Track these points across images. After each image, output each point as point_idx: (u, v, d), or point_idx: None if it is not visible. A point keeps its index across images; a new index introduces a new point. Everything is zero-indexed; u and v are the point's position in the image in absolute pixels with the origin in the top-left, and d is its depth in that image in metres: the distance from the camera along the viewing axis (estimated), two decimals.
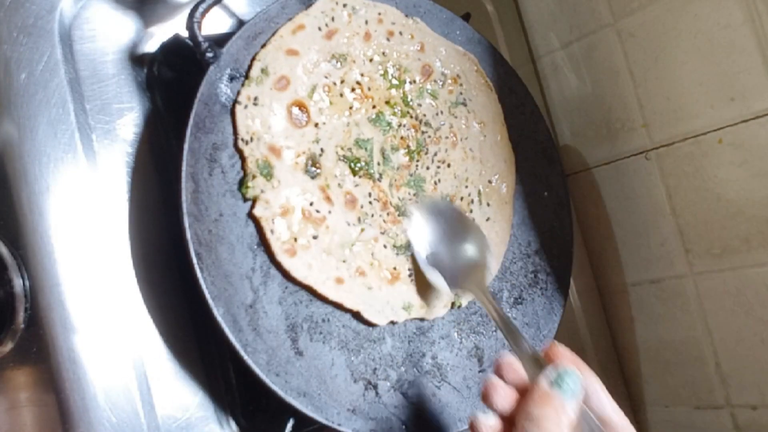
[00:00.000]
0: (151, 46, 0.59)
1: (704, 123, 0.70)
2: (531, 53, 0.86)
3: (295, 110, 0.57)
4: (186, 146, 0.51)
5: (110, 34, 0.57)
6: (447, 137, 0.66)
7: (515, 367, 0.47)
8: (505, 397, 0.46)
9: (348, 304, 0.56)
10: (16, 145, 0.51)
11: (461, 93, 0.68)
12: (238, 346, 0.50)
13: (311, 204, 0.56)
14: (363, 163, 0.60)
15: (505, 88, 0.72)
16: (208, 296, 0.50)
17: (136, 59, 0.58)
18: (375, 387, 0.56)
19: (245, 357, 0.50)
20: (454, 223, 0.60)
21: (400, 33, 0.65)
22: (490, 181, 0.68)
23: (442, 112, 0.66)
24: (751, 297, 0.69)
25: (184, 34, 0.54)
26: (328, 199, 0.57)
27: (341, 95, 0.60)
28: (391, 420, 0.56)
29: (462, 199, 0.65)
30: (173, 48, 0.57)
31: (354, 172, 0.59)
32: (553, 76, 0.84)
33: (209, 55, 0.53)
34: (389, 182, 0.61)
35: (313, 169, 0.57)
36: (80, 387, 0.49)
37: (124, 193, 0.56)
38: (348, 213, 0.58)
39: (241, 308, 0.52)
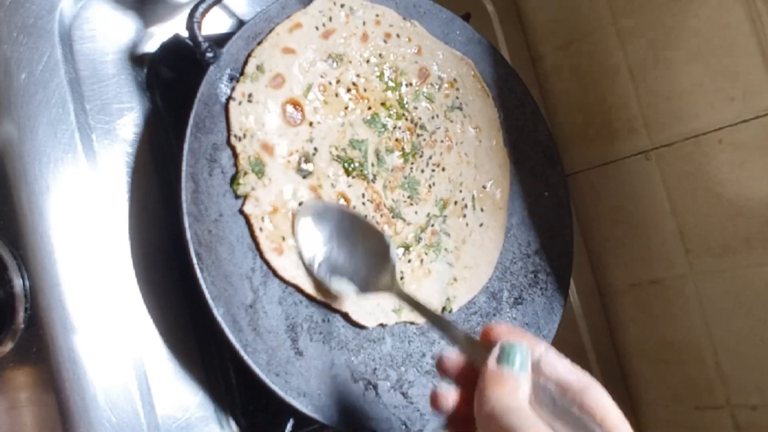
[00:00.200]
0: (151, 46, 0.59)
1: (704, 123, 0.70)
2: (531, 53, 0.86)
3: (290, 108, 0.57)
4: (186, 146, 0.51)
5: (110, 34, 0.57)
6: (442, 141, 0.66)
7: (456, 360, 0.45)
8: (453, 398, 0.44)
9: (336, 305, 0.56)
10: (16, 145, 0.51)
11: (457, 97, 0.68)
12: (238, 346, 0.50)
13: (301, 203, 0.56)
14: (357, 164, 0.60)
15: (505, 89, 0.72)
16: (208, 296, 0.50)
17: (136, 59, 0.58)
18: (375, 387, 0.56)
19: (245, 357, 0.50)
20: (345, 224, 0.56)
21: (398, 35, 0.65)
22: (484, 186, 0.68)
23: (437, 116, 0.66)
24: (751, 297, 0.70)
25: (184, 34, 0.54)
26: (319, 198, 0.57)
27: (337, 95, 0.60)
28: (391, 420, 0.56)
29: (456, 203, 0.65)
30: (173, 48, 0.57)
31: (347, 173, 0.59)
32: (553, 76, 0.84)
33: (209, 55, 0.53)
34: (383, 184, 0.61)
35: (306, 168, 0.57)
36: (80, 387, 0.49)
37: (124, 193, 0.56)
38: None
39: (241, 308, 0.52)
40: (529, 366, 0.42)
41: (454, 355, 0.46)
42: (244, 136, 0.54)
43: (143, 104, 0.57)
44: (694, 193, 0.72)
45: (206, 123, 0.53)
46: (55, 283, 0.50)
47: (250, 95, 0.55)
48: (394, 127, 0.63)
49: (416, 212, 0.63)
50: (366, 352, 0.57)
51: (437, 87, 0.66)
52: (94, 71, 0.56)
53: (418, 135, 0.64)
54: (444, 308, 0.62)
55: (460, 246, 0.64)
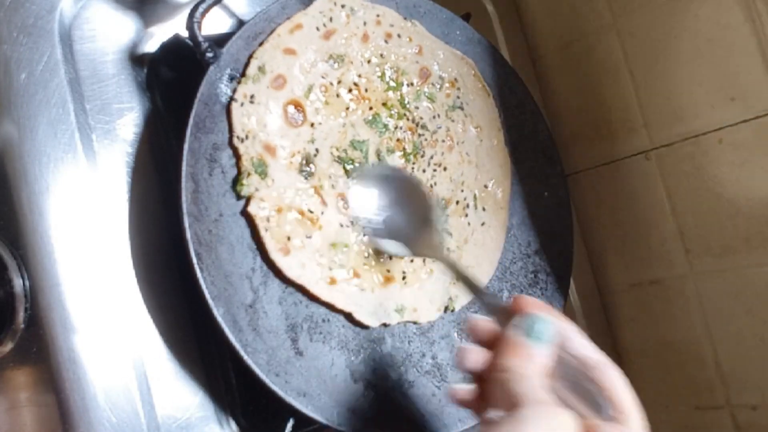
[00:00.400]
0: (151, 46, 0.59)
1: (704, 123, 0.70)
2: (531, 53, 0.86)
3: (291, 109, 0.57)
4: (186, 146, 0.51)
5: (110, 34, 0.57)
6: (443, 141, 0.66)
7: (486, 327, 0.46)
8: (476, 358, 0.45)
9: (340, 305, 0.56)
10: (16, 145, 0.51)
11: (458, 97, 0.68)
12: (238, 346, 0.50)
13: (305, 204, 0.56)
14: (357, 165, 0.59)
15: (505, 88, 0.72)
16: (208, 296, 0.50)
17: (136, 59, 0.58)
18: (375, 387, 0.56)
19: (245, 357, 0.50)
20: (397, 187, 0.58)
21: (399, 35, 0.65)
22: (485, 186, 0.68)
23: (439, 116, 0.66)
24: (751, 297, 0.69)
25: (184, 34, 0.54)
26: (322, 199, 0.57)
27: (338, 96, 0.60)
28: (391, 420, 0.56)
29: (458, 203, 0.65)
30: (173, 48, 0.57)
31: (348, 174, 0.59)
32: (553, 76, 0.84)
33: (209, 55, 0.53)
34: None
35: (308, 168, 0.57)
36: (80, 387, 0.49)
37: (124, 193, 0.56)
38: (341, 214, 0.58)
39: (241, 308, 0.52)
40: (550, 340, 0.42)
41: (484, 321, 0.47)
42: (247, 137, 0.54)
43: (143, 104, 0.57)
44: (694, 193, 0.72)
45: (206, 123, 0.53)
46: (55, 283, 0.50)
47: (251, 96, 0.55)
48: (396, 127, 0.63)
49: None
50: (366, 352, 0.57)
51: (438, 87, 0.66)
52: (94, 71, 0.56)
53: (419, 135, 0.64)
54: (446, 307, 0.62)
55: (462, 245, 0.64)
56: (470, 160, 0.67)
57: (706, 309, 0.74)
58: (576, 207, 0.83)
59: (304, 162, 0.57)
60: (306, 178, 0.56)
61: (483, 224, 0.66)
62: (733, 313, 0.71)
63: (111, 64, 0.57)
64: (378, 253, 0.58)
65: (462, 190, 0.66)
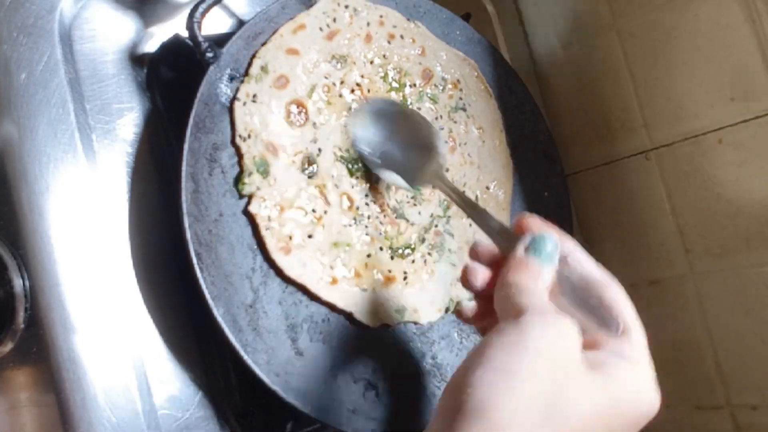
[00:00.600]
0: (151, 46, 0.59)
1: (704, 123, 0.70)
2: (531, 53, 0.86)
3: (294, 109, 0.57)
4: (186, 146, 0.51)
5: (110, 34, 0.57)
6: (446, 142, 0.66)
7: (490, 248, 0.47)
8: (482, 276, 0.46)
9: (341, 305, 0.56)
10: (16, 145, 0.51)
11: (461, 98, 0.68)
12: (238, 346, 0.50)
13: (307, 203, 0.56)
14: (360, 165, 0.59)
15: (505, 88, 0.72)
16: (208, 296, 0.50)
17: (136, 59, 0.58)
18: (375, 387, 0.56)
19: (245, 357, 0.50)
20: (398, 119, 0.59)
21: (402, 36, 0.65)
22: (487, 187, 0.68)
23: (441, 117, 0.66)
24: (751, 297, 0.69)
25: (184, 34, 0.54)
26: (324, 198, 0.57)
27: (340, 96, 0.60)
28: (391, 420, 0.56)
29: None
30: (173, 48, 0.57)
31: (351, 173, 0.59)
32: (553, 76, 0.84)
33: (209, 55, 0.53)
34: (387, 184, 0.61)
35: (310, 168, 0.57)
36: (80, 387, 0.49)
37: (124, 193, 0.56)
38: (344, 214, 0.58)
39: (241, 308, 0.52)
40: (556, 258, 0.43)
41: (487, 244, 0.48)
42: (249, 136, 0.54)
43: (143, 104, 0.57)
44: (694, 193, 0.72)
45: (206, 123, 0.53)
46: (55, 283, 0.50)
47: (254, 96, 0.55)
48: None
49: (420, 213, 0.63)
50: (366, 352, 0.57)
51: (441, 88, 0.67)
52: (94, 71, 0.56)
53: None
54: (447, 309, 0.62)
55: (463, 246, 0.64)
56: (472, 162, 0.67)
57: (706, 309, 0.73)
58: (576, 207, 0.83)
59: (306, 162, 0.57)
60: (309, 178, 0.57)
61: None
62: (733, 313, 0.71)
63: (111, 64, 0.57)
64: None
65: (464, 191, 0.66)
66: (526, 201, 0.71)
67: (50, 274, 0.50)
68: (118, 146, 0.56)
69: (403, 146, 0.57)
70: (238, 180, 0.54)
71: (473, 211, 0.51)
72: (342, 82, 0.60)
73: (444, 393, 0.39)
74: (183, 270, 0.51)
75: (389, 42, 0.64)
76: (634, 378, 0.40)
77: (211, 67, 0.54)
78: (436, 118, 0.66)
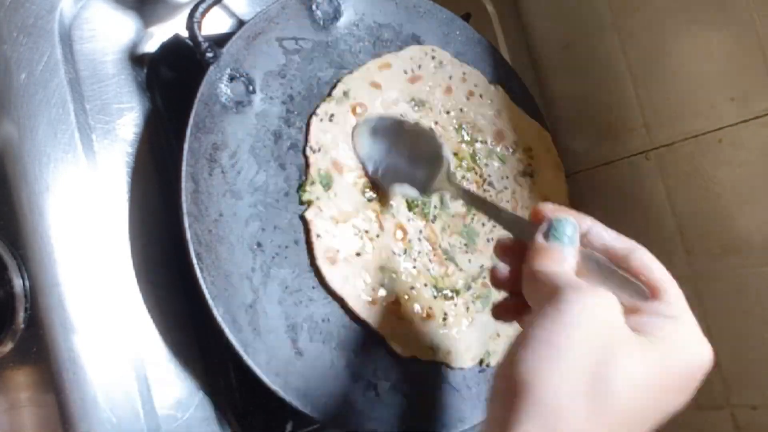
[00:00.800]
0: (151, 46, 0.59)
1: (704, 123, 0.70)
2: (531, 53, 0.86)
3: None
4: (186, 146, 0.51)
5: (110, 34, 0.57)
6: (508, 201, 0.67)
7: (511, 243, 0.48)
8: (508, 273, 0.47)
9: (375, 326, 0.56)
10: (16, 145, 0.51)
11: (530, 164, 0.69)
12: (238, 346, 0.50)
13: (362, 223, 0.57)
14: (420, 202, 0.61)
15: (505, 88, 0.72)
16: (208, 296, 0.50)
17: (136, 59, 0.58)
18: (375, 387, 0.56)
19: (245, 357, 0.50)
20: (397, 132, 0.59)
21: (481, 96, 0.67)
22: None
23: (507, 177, 0.67)
24: (751, 297, 0.69)
25: (184, 34, 0.54)
26: (379, 223, 0.58)
27: None
28: (391, 420, 0.56)
29: None
30: (173, 48, 0.57)
31: (410, 208, 0.60)
32: (553, 76, 0.84)
33: (209, 55, 0.53)
34: (442, 226, 0.62)
35: (371, 193, 0.58)
36: (80, 387, 0.49)
37: (124, 193, 0.56)
38: (395, 243, 0.59)
39: (241, 308, 0.52)
40: (577, 239, 0.44)
41: (507, 240, 0.49)
42: (319, 150, 0.57)
43: (143, 104, 0.57)
44: (694, 193, 0.72)
45: (206, 123, 0.53)
46: (55, 283, 0.50)
47: (332, 115, 0.58)
48: (462, 177, 0.65)
49: (470, 261, 0.63)
50: (366, 352, 0.57)
51: (512, 151, 0.68)
52: (94, 71, 0.56)
53: (484, 190, 0.66)
54: (482, 360, 0.62)
55: None
56: None
57: (706, 309, 0.73)
58: (576, 207, 0.83)
59: (368, 186, 0.59)
60: (368, 201, 0.58)
61: None
62: (733, 313, 0.71)
63: (111, 64, 0.57)
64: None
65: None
66: None
67: (50, 274, 0.50)
68: (118, 146, 0.56)
69: (407, 159, 0.58)
70: (300, 186, 0.56)
71: (485, 207, 0.52)
72: (416, 123, 0.62)
73: (494, 378, 0.40)
74: (183, 270, 0.51)
75: (468, 98, 0.67)
76: (679, 334, 0.41)
77: (211, 67, 0.54)
78: (503, 178, 0.67)
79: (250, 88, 0.56)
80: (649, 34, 0.73)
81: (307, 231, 0.55)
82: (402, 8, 0.66)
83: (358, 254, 0.57)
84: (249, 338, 0.51)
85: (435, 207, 0.62)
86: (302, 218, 0.55)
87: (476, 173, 0.65)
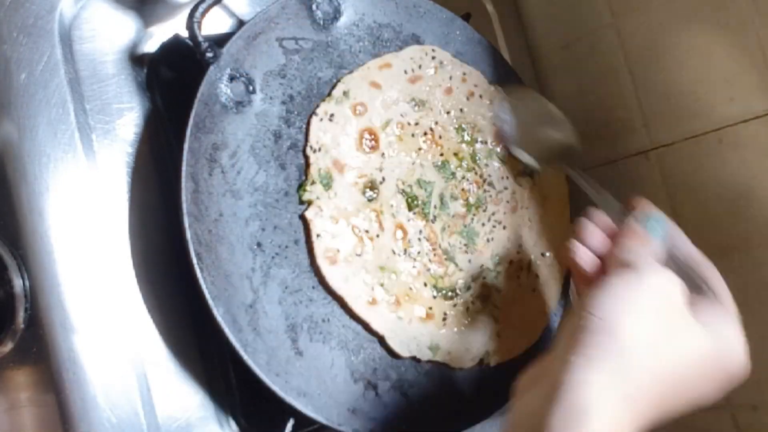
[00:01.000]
0: (151, 46, 0.59)
1: (704, 123, 0.70)
2: (531, 53, 0.86)
3: (366, 136, 0.60)
4: (186, 146, 0.51)
5: (110, 34, 0.57)
6: (508, 201, 0.67)
7: (606, 219, 0.55)
8: (598, 238, 0.53)
9: (375, 326, 0.56)
10: (16, 145, 0.51)
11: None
12: (238, 346, 0.50)
13: (362, 223, 0.57)
14: (420, 202, 0.61)
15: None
16: (208, 296, 0.50)
17: (136, 59, 0.58)
18: (375, 387, 0.56)
19: (245, 357, 0.50)
20: (539, 109, 0.65)
21: (480, 96, 0.67)
22: (543, 254, 0.68)
23: (507, 177, 0.67)
24: (751, 297, 0.69)
25: (184, 34, 0.54)
26: (379, 223, 0.58)
27: (412, 135, 0.62)
28: (391, 420, 0.56)
29: (511, 263, 0.65)
30: (173, 48, 0.57)
31: (410, 207, 0.60)
32: (553, 76, 0.84)
33: (209, 55, 0.53)
34: (442, 226, 0.62)
35: (371, 193, 0.59)
36: (80, 387, 0.49)
37: (124, 193, 0.56)
38: (395, 242, 0.59)
39: (241, 308, 0.52)
40: (664, 234, 0.51)
41: (604, 216, 0.55)
42: (319, 149, 0.57)
43: (143, 104, 0.57)
44: (694, 194, 0.72)
45: (206, 123, 0.53)
46: (55, 283, 0.50)
47: (332, 115, 0.58)
48: (463, 178, 0.64)
49: (470, 261, 0.63)
50: (366, 352, 0.57)
51: None
52: (94, 71, 0.56)
53: (484, 190, 0.65)
54: (482, 360, 0.61)
55: (509, 305, 0.64)
56: (531, 226, 0.68)
57: None
58: (576, 207, 0.83)
59: (368, 186, 0.59)
60: (368, 201, 0.58)
61: (534, 290, 0.66)
62: None
63: (111, 64, 0.57)
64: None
65: (518, 252, 0.66)
66: None
67: (50, 274, 0.50)
68: (118, 146, 0.56)
69: (542, 133, 0.63)
70: (300, 185, 0.56)
71: (601, 195, 0.57)
72: (417, 124, 0.63)
73: (560, 327, 0.48)
74: (183, 270, 0.51)
75: (468, 98, 0.66)
76: (731, 336, 0.47)
77: (211, 67, 0.54)
78: (502, 178, 0.67)
79: (250, 88, 0.56)
80: (649, 34, 0.73)
81: (307, 231, 0.55)
82: (402, 8, 0.66)
83: (358, 254, 0.57)
84: (249, 338, 0.51)
85: (435, 207, 0.62)
86: (302, 218, 0.56)
87: (476, 173, 0.65)
